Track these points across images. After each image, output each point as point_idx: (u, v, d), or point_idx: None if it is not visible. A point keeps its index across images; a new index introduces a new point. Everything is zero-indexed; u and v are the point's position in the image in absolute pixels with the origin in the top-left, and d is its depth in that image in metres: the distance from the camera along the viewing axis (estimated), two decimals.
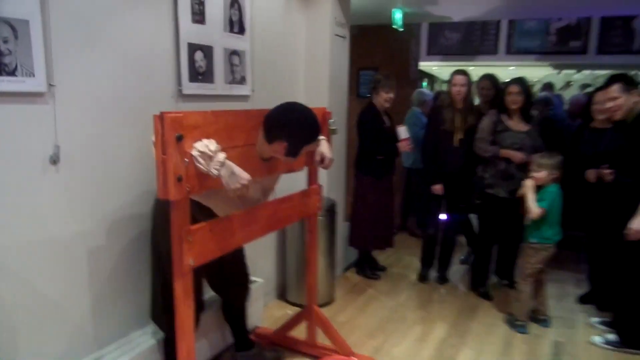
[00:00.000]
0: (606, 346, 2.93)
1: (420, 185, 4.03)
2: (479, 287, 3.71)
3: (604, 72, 7.58)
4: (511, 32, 6.83)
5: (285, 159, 1.97)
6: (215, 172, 1.65)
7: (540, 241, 3.06)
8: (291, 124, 1.88)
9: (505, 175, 3.37)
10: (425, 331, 3.14)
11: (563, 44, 6.57)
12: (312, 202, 2.52)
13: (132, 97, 2.13)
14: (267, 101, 3.08)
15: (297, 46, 3.40)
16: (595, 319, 3.26)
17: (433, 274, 4.01)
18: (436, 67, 8.35)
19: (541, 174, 3.01)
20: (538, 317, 3.25)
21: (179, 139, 1.56)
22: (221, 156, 1.66)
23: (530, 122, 3.41)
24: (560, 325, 3.25)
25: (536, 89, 6.29)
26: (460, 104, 3.54)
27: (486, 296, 3.64)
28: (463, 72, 3.55)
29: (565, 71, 7.23)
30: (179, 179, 1.57)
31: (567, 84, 7.34)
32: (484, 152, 3.39)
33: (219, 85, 2.65)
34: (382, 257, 4.30)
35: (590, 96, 3.60)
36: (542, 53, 6.68)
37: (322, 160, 2.32)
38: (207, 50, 2.52)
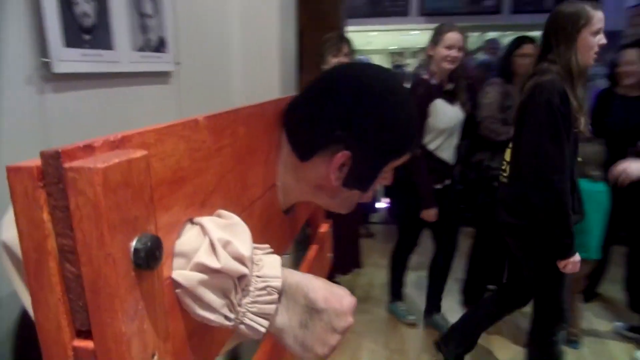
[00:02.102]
0: None
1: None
2: (472, 300, 2.93)
3: (511, 33, 7.36)
4: None
5: (339, 194, 0.81)
6: (261, 327, 0.49)
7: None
8: (376, 111, 0.71)
9: None
10: None
11: (476, 3, 6.07)
12: (324, 254, 1.42)
13: None
14: (199, 82, 1.85)
15: None
16: (618, 324, 2.72)
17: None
18: None
19: None
20: (570, 337, 2.58)
21: (148, 264, 0.37)
22: (274, 270, 0.51)
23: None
24: (590, 342, 2.63)
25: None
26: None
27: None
28: None
29: (472, 34, 6.79)
30: None
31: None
32: (497, 135, 2.53)
33: (124, 52, 1.37)
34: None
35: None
36: (455, 14, 6.11)
37: None
38: None
